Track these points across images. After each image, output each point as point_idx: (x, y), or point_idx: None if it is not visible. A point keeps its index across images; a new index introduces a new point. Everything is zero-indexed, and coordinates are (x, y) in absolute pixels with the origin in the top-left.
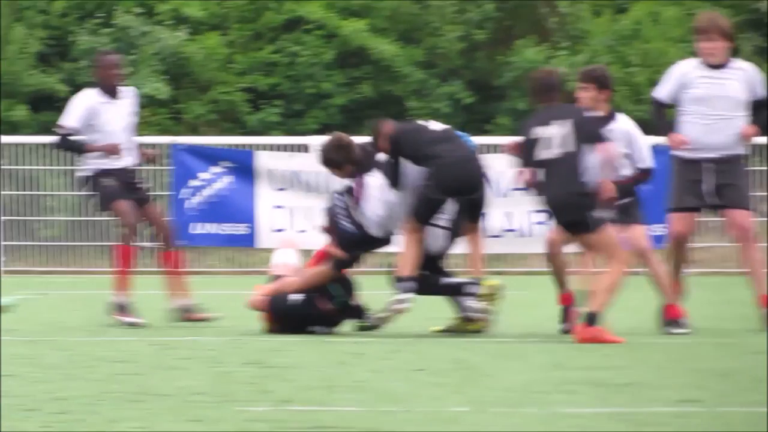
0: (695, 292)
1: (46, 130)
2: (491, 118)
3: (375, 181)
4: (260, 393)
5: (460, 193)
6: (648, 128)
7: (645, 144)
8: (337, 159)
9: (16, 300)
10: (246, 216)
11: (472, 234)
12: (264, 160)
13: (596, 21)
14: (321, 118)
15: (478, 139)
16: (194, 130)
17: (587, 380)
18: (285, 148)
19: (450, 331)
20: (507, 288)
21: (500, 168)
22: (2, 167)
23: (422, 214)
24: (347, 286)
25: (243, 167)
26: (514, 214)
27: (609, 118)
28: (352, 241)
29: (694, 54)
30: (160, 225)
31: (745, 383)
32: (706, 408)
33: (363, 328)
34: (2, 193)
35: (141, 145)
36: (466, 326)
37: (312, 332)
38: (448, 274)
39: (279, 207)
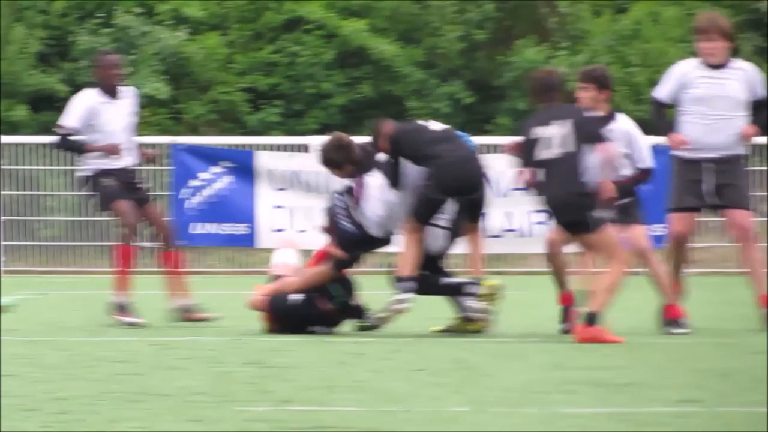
0: (695, 292)
1: (46, 130)
2: (491, 118)
3: (375, 181)
4: (260, 393)
5: (461, 193)
6: (648, 128)
7: (645, 144)
8: (337, 159)
9: (17, 300)
10: (246, 216)
11: (472, 234)
12: (264, 160)
13: (596, 21)
14: (321, 118)
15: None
16: (194, 130)
17: (587, 380)
18: (285, 148)
19: (450, 331)
20: (507, 288)
21: (500, 168)
22: (2, 167)
23: (422, 213)
24: (347, 286)
25: (243, 167)
26: (514, 214)
27: (609, 118)
28: (352, 241)
29: (694, 54)
30: (160, 225)
31: (745, 383)
32: (706, 408)
33: (363, 328)
34: (2, 193)
35: (141, 145)
36: (466, 326)
37: (312, 332)
38: (448, 274)
39: (279, 207)
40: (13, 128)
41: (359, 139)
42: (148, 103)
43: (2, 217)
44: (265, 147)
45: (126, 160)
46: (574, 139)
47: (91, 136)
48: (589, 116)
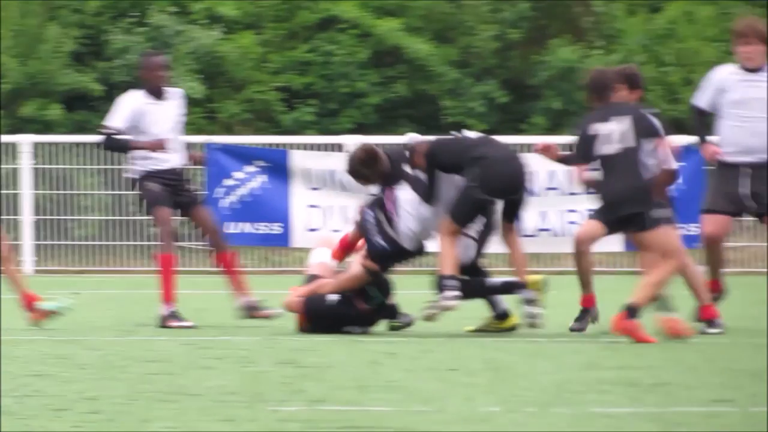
0: (729, 292)
1: (81, 129)
2: (526, 117)
3: (406, 195)
4: (292, 393)
5: (505, 192)
6: (682, 128)
7: (671, 145)
8: (365, 173)
9: (69, 303)
10: (280, 215)
11: (509, 234)
12: (298, 160)
13: (630, 20)
14: (355, 118)
15: (512, 139)
16: (228, 130)
17: (620, 380)
18: (319, 147)
19: (483, 331)
20: (550, 283)
21: (534, 167)
22: (36, 166)
23: (464, 215)
24: (384, 287)
25: (277, 166)
26: (548, 214)
27: None
28: (385, 255)
29: (728, 53)
30: (208, 227)
31: None
32: (739, 408)
33: (394, 328)
34: (36, 192)
35: (189, 146)
36: (499, 325)
37: (347, 332)
38: (489, 275)
39: (313, 206)
40: (47, 127)
41: (392, 140)
42: None
43: (35, 217)
44: (299, 146)
45: (173, 162)
46: (633, 135)
47: (137, 137)
48: (647, 112)
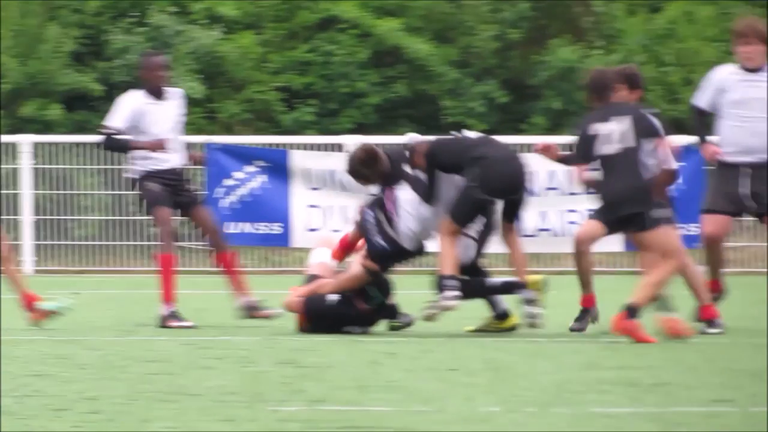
0: (729, 292)
1: (81, 129)
2: (526, 117)
3: (406, 195)
4: (292, 393)
5: (506, 192)
6: (682, 128)
7: (671, 145)
8: (365, 173)
9: (69, 303)
10: (280, 215)
11: (509, 234)
12: (298, 160)
13: (630, 20)
14: (355, 118)
15: (512, 139)
16: (228, 129)
17: (620, 380)
18: (319, 147)
19: (483, 331)
20: (550, 283)
21: (534, 167)
22: (36, 166)
23: (464, 215)
24: (384, 287)
25: (277, 166)
26: (548, 214)
27: None
28: (385, 255)
29: (728, 53)
30: (208, 227)
31: None
32: (739, 408)
33: (394, 328)
34: (35, 192)
35: (189, 146)
36: (499, 325)
37: (347, 332)
38: (489, 275)
39: (313, 206)
40: (47, 127)
41: (392, 140)
42: None
43: (35, 217)
44: (299, 146)
45: (173, 162)
46: (633, 135)
47: (137, 137)
48: (646, 112)
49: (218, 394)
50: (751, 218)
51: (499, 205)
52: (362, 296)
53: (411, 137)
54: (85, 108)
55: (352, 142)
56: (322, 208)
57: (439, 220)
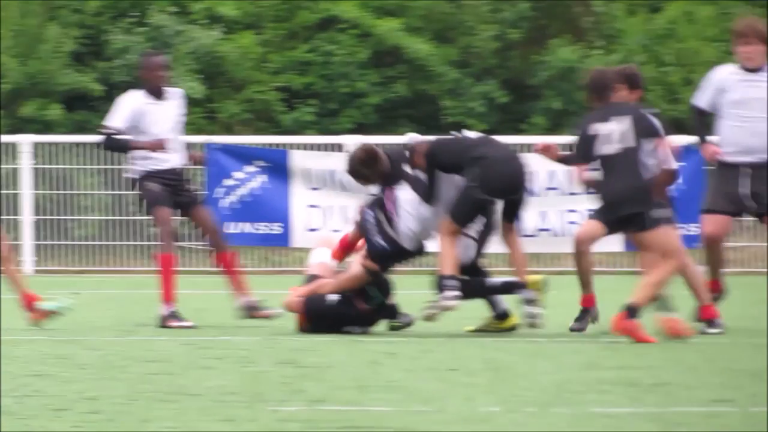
0: (729, 292)
1: (81, 129)
2: (526, 117)
3: (406, 195)
4: (292, 393)
5: (505, 192)
6: (682, 128)
7: (671, 145)
8: (365, 173)
9: (69, 303)
10: (280, 215)
11: (509, 234)
12: (298, 160)
13: (630, 20)
14: (355, 118)
15: (512, 139)
16: (228, 130)
17: (620, 380)
18: (319, 147)
19: (483, 331)
20: (550, 283)
21: (534, 167)
22: (36, 166)
23: (464, 215)
24: (384, 287)
25: (277, 166)
26: (548, 214)
27: None
28: (385, 255)
29: (728, 53)
30: (208, 227)
31: None
32: (739, 408)
33: (394, 328)
34: (35, 192)
35: (189, 146)
36: (499, 325)
37: (347, 332)
38: (489, 275)
39: (313, 206)
40: (47, 127)
41: (392, 140)
42: None
43: (35, 217)
44: (299, 146)
45: (173, 162)
46: (633, 135)
47: (137, 137)
48: (646, 112)
49: (218, 394)
50: (751, 218)
51: (499, 205)
52: (362, 296)
53: (411, 137)
54: (85, 108)
55: (352, 142)
56: (322, 208)
57: (439, 220)
